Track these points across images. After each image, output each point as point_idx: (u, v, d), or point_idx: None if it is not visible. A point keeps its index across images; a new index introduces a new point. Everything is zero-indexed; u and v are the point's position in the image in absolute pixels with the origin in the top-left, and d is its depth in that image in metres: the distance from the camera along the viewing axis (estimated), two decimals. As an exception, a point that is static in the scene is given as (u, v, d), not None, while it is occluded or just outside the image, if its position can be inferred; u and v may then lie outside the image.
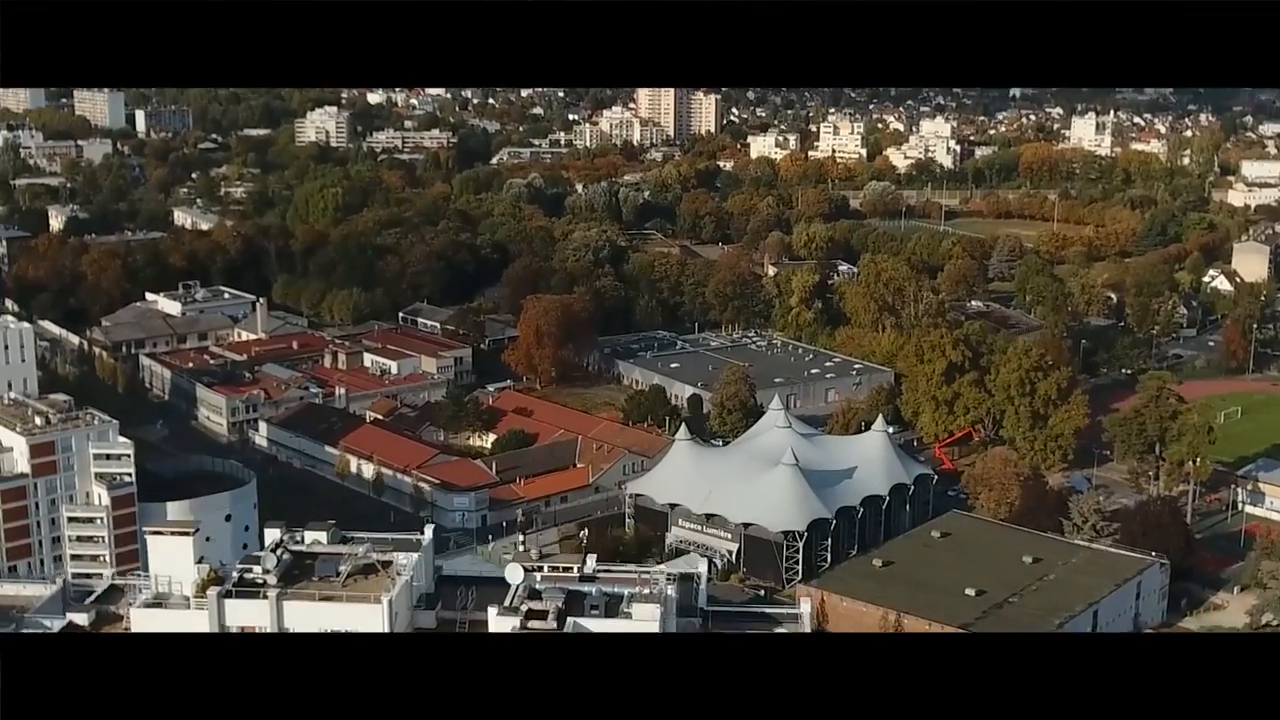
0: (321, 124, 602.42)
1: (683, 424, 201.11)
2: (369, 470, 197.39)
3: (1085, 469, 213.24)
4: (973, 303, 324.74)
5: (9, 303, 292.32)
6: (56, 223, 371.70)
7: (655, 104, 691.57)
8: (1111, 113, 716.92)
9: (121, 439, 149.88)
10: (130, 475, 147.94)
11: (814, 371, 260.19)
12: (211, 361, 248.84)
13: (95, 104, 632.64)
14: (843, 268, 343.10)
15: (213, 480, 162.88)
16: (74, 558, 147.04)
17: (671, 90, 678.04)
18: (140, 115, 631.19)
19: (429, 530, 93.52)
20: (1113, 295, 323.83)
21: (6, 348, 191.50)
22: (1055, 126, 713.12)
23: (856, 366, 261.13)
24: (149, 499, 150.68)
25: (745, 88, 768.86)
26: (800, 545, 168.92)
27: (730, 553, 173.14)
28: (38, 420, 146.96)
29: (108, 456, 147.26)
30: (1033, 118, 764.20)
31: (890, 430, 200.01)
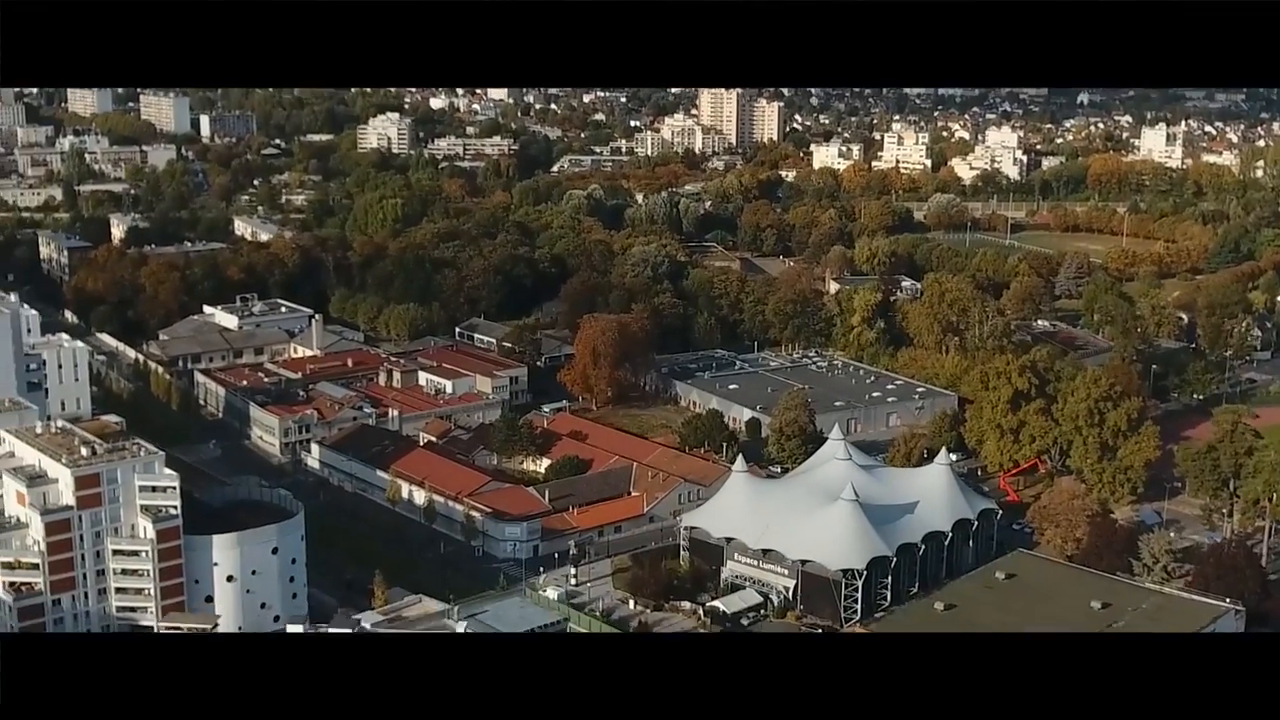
0: (383, 130, 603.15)
1: (739, 453, 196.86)
2: (420, 497, 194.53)
3: (1155, 501, 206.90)
4: (1039, 322, 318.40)
5: (68, 314, 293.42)
6: (118, 231, 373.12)
7: (718, 110, 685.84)
8: (1182, 122, 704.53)
9: (168, 471, 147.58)
10: (176, 507, 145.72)
11: (875, 394, 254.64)
12: (266, 379, 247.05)
13: (161, 108, 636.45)
14: (906, 283, 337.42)
15: (260, 510, 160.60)
16: (118, 591, 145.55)
17: (734, 96, 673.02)
18: (205, 120, 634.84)
19: (462, 626, 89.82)
20: (1184, 316, 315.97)
21: (60, 367, 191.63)
22: (1124, 136, 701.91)
23: (919, 390, 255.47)
24: (195, 530, 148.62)
25: (810, 87, 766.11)
26: (859, 583, 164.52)
27: (787, 589, 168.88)
28: (84, 451, 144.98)
29: (153, 489, 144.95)
30: (1101, 126, 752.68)
31: (953, 458, 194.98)
